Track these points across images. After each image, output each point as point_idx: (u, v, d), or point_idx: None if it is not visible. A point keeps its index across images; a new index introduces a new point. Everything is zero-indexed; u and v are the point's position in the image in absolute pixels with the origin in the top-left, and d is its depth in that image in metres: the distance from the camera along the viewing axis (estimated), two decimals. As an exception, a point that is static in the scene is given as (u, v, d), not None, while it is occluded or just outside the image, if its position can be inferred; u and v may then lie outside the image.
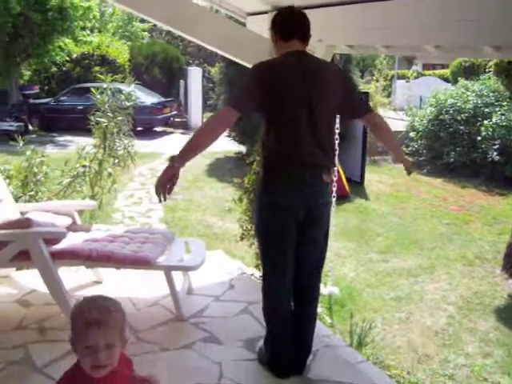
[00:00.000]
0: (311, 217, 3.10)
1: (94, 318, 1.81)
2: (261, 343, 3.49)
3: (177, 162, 2.99)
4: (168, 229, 7.06)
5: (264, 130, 3.12)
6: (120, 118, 6.58)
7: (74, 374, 1.90)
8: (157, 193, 2.94)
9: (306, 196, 3.05)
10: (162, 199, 2.93)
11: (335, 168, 5.16)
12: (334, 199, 5.16)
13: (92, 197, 6.42)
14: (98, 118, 6.53)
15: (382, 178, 11.78)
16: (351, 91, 3.27)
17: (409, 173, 3.33)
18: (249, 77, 3.09)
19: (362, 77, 23.38)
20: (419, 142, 12.99)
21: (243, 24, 5.30)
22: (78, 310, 1.88)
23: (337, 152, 5.17)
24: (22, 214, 4.52)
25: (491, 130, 11.56)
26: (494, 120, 11.69)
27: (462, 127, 12.21)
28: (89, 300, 1.91)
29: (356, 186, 10.41)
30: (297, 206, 3.06)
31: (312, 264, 3.26)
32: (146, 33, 29.29)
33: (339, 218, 7.82)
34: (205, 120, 3.34)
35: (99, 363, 1.82)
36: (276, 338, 3.28)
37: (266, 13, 4.54)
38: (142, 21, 27.43)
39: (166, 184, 2.94)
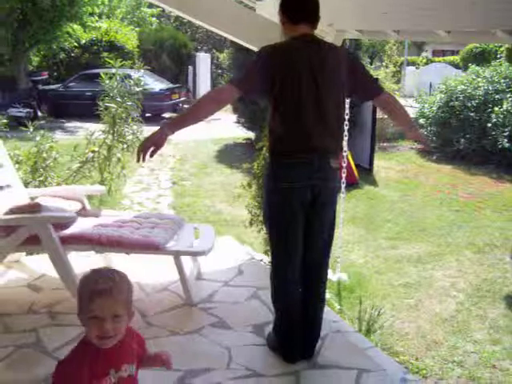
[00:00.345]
0: (319, 201, 3.09)
1: (100, 288, 1.83)
2: (270, 329, 3.50)
3: (167, 129, 2.91)
4: (177, 214, 7.07)
5: (270, 114, 3.10)
6: (129, 104, 6.57)
7: (81, 348, 1.92)
8: (138, 152, 2.88)
9: (313, 180, 3.03)
10: (141, 160, 2.90)
11: (345, 153, 5.14)
12: (343, 185, 5.15)
13: (101, 182, 6.43)
14: (106, 104, 6.52)
15: (391, 164, 11.74)
16: (362, 73, 3.22)
17: (428, 147, 3.42)
18: (255, 59, 3.07)
19: (371, 63, 23.30)
20: (429, 128, 12.91)
21: (253, 9, 5.27)
22: (84, 280, 1.89)
23: (346, 138, 5.17)
24: (31, 199, 4.53)
25: (502, 116, 11.47)
26: (504, 107, 11.60)
27: (472, 114, 12.11)
28: (95, 271, 1.92)
29: (365, 173, 10.38)
30: (304, 190, 3.04)
31: (319, 247, 3.26)
32: (154, 18, 29.20)
33: (348, 205, 7.81)
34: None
35: (105, 333, 1.83)
36: (285, 322, 3.28)
37: (275, -3, 4.51)
38: (150, 6, 27.36)
39: (149, 147, 2.86)
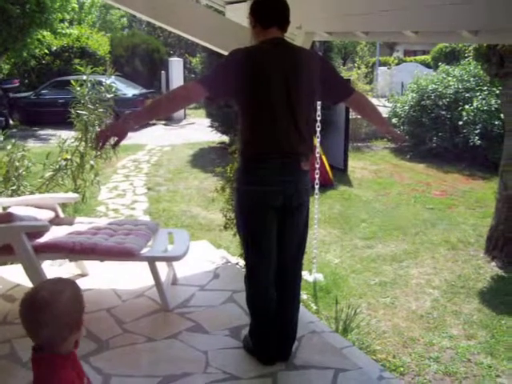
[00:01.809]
0: (290, 204, 3.09)
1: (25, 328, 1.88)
2: (245, 331, 3.51)
3: (132, 120, 2.91)
4: (153, 220, 7.05)
5: (240, 117, 3.08)
6: (101, 110, 6.53)
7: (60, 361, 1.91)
8: (96, 139, 2.86)
9: (284, 184, 3.03)
10: (99, 149, 2.87)
11: (317, 154, 5.18)
12: (317, 187, 5.19)
13: (75, 190, 6.38)
14: (78, 111, 6.48)
15: (365, 164, 11.83)
16: (333, 76, 3.22)
17: (403, 140, 3.48)
18: (225, 61, 3.07)
19: (343, 64, 23.43)
20: (401, 127, 13.03)
21: (222, 13, 5.28)
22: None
23: (319, 139, 5.21)
24: (3, 208, 4.49)
25: (472, 114, 11.63)
26: (474, 105, 11.77)
27: (443, 112, 12.27)
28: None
29: (339, 174, 10.45)
30: (275, 194, 3.03)
31: (293, 249, 3.26)
32: (124, 19, 29.04)
33: (323, 206, 7.86)
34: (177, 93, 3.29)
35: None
36: (261, 325, 3.29)
37: (244, 1, 4.53)
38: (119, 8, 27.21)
39: (109, 136, 2.83)
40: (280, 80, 2.97)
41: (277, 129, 2.99)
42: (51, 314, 1.82)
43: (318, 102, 4.76)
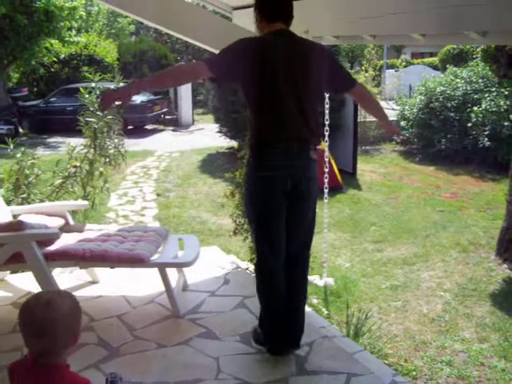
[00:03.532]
0: (299, 190, 3.14)
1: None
2: (255, 324, 3.54)
3: (134, 87, 3.08)
4: (162, 226, 7.05)
5: (249, 107, 3.17)
6: (110, 117, 6.55)
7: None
8: (102, 99, 3.08)
9: (291, 168, 3.09)
10: (104, 109, 3.03)
11: (326, 158, 5.17)
12: (326, 190, 5.17)
13: (84, 197, 6.39)
14: (87, 118, 6.50)
15: (374, 167, 11.80)
16: (336, 67, 3.31)
17: (398, 134, 3.65)
18: (233, 46, 3.12)
19: (351, 67, 23.43)
20: (410, 130, 13.00)
21: (229, 19, 5.29)
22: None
23: (328, 143, 5.19)
24: (14, 216, 4.50)
25: (481, 116, 11.58)
26: (483, 106, 11.71)
27: (452, 114, 12.23)
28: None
29: (348, 177, 10.43)
30: (285, 178, 3.09)
31: (301, 237, 3.31)
32: (132, 26, 29.17)
33: (332, 210, 7.84)
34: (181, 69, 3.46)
35: None
36: (271, 314, 3.32)
37: (251, 6, 4.52)
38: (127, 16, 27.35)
39: (113, 98, 3.06)
40: (286, 68, 3.06)
41: (284, 116, 3.07)
42: (51, 323, 1.81)
43: (326, 106, 4.77)
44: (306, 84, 3.10)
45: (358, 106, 10.60)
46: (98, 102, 3.02)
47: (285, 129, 3.06)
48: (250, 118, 3.18)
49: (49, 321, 1.81)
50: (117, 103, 3.03)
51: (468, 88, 12.44)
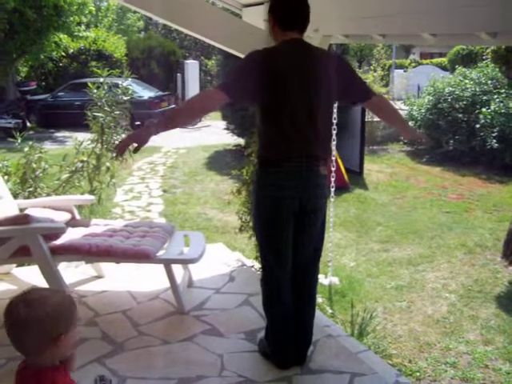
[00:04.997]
0: (308, 208, 3.06)
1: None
2: (261, 335, 3.49)
3: (153, 128, 2.87)
4: (168, 222, 7.06)
5: (259, 120, 3.05)
6: (117, 112, 6.55)
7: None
8: (116, 147, 2.91)
9: (302, 188, 3.00)
10: (119, 156, 2.91)
11: (333, 158, 5.16)
12: (333, 190, 5.16)
13: (91, 192, 6.41)
14: (94, 113, 6.51)
15: (381, 167, 11.77)
16: (353, 77, 3.17)
17: (427, 142, 3.47)
18: (244, 64, 3.02)
19: (359, 67, 23.37)
20: (418, 130, 12.94)
21: (239, 16, 5.28)
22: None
23: (335, 142, 5.18)
24: (20, 210, 4.51)
25: (490, 117, 11.52)
26: (492, 107, 11.66)
27: (460, 115, 12.17)
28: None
29: (355, 177, 10.41)
30: (293, 198, 3.01)
31: (310, 251, 3.24)
32: (141, 22, 29.20)
33: (339, 209, 7.83)
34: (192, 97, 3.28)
35: None
36: (277, 329, 3.26)
37: (261, 4, 4.52)
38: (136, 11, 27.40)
39: (128, 144, 2.86)
40: (299, 82, 2.94)
41: (297, 132, 2.95)
42: (32, 316, 1.77)
43: (335, 105, 4.74)
44: (320, 98, 2.98)
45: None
46: (116, 150, 2.90)
47: (295, 145, 2.96)
48: (260, 132, 3.09)
49: (20, 322, 1.78)
50: (135, 147, 2.86)
51: (477, 89, 12.38)
